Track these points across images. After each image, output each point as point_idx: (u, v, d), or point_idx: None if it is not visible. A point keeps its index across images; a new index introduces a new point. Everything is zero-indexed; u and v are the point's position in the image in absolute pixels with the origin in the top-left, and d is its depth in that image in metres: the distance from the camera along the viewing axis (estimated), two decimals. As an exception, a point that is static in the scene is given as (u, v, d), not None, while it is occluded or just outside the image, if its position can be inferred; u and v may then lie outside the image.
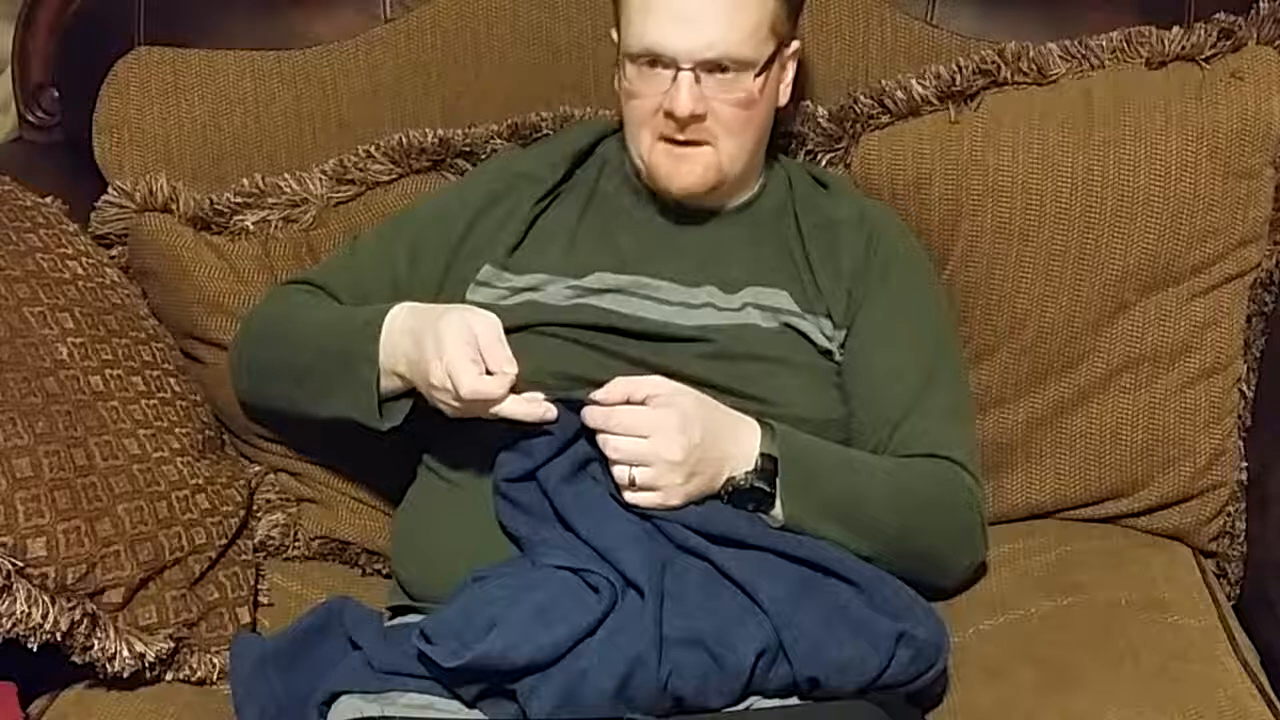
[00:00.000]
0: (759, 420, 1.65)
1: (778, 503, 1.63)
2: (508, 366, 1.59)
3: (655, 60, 1.71)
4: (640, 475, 1.59)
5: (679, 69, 1.69)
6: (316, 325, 1.80)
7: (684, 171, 1.75)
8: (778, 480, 1.63)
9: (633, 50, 1.72)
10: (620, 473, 1.59)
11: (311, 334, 1.79)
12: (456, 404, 1.61)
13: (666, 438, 1.59)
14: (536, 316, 1.75)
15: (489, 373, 1.59)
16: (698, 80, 1.69)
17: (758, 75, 1.72)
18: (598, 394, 1.61)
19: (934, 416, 1.76)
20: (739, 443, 1.63)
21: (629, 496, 1.59)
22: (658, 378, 1.63)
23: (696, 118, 1.71)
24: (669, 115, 1.71)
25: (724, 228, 1.83)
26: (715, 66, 1.70)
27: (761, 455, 1.63)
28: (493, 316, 1.63)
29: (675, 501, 1.60)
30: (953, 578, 1.78)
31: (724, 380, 1.71)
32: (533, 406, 1.61)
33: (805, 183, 1.87)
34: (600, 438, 1.60)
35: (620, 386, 1.61)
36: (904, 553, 1.68)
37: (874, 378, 1.76)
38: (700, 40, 1.68)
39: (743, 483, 1.62)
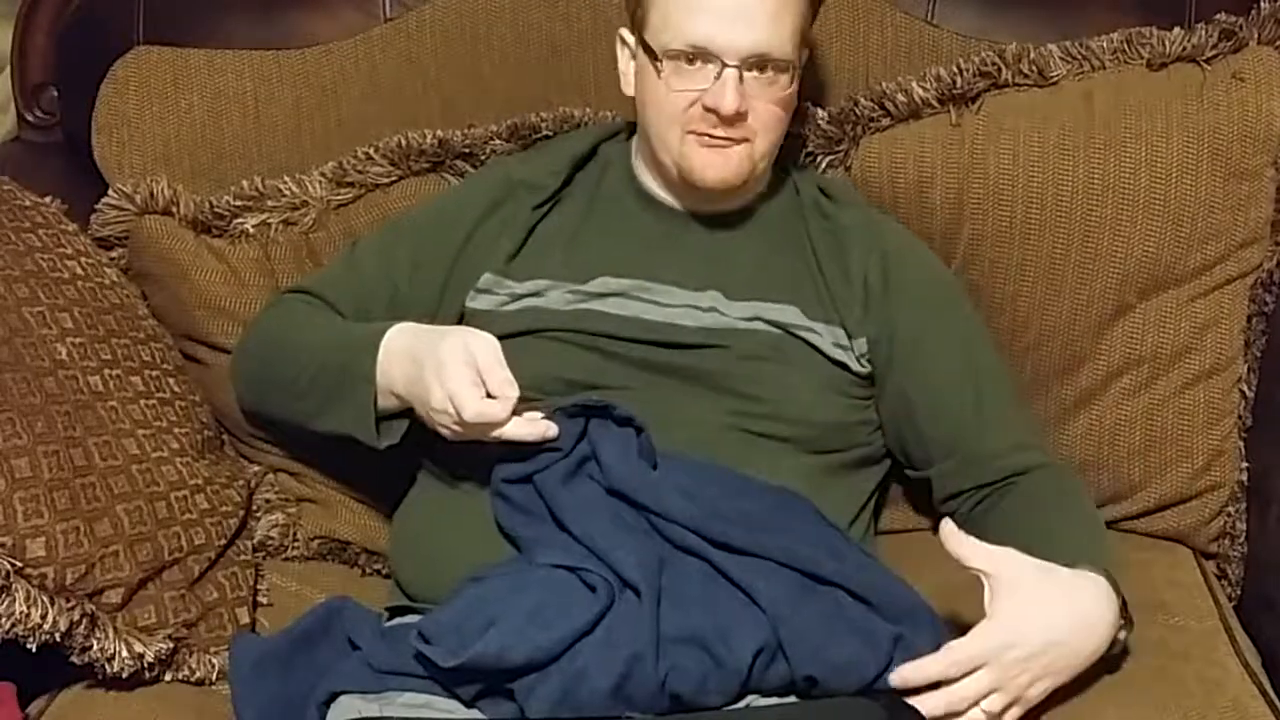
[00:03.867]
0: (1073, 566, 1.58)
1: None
2: (509, 389, 1.58)
3: (697, 56, 1.70)
4: (989, 704, 1.52)
5: (725, 65, 1.69)
6: (315, 342, 1.79)
7: (719, 164, 1.74)
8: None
9: (674, 46, 1.71)
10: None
11: (310, 351, 1.78)
12: (458, 428, 1.61)
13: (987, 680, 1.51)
14: (538, 322, 1.75)
15: (490, 396, 1.58)
16: (740, 78, 1.70)
17: (794, 79, 1.73)
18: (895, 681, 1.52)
19: (1006, 424, 1.78)
20: (1089, 610, 1.56)
21: None
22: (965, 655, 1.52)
23: (739, 115, 1.71)
24: (709, 110, 1.71)
25: (728, 231, 1.83)
26: (759, 65, 1.70)
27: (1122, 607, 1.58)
28: (492, 339, 1.62)
29: (1035, 696, 1.54)
30: None
31: (728, 383, 1.72)
32: (534, 427, 1.60)
33: (812, 190, 1.87)
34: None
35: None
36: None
37: (933, 393, 1.76)
38: (749, 38, 1.69)
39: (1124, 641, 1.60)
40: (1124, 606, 1.58)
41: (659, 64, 1.72)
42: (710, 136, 1.73)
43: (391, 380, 1.67)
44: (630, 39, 1.78)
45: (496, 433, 1.59)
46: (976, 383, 1.79)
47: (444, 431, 1.63)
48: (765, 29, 1.69)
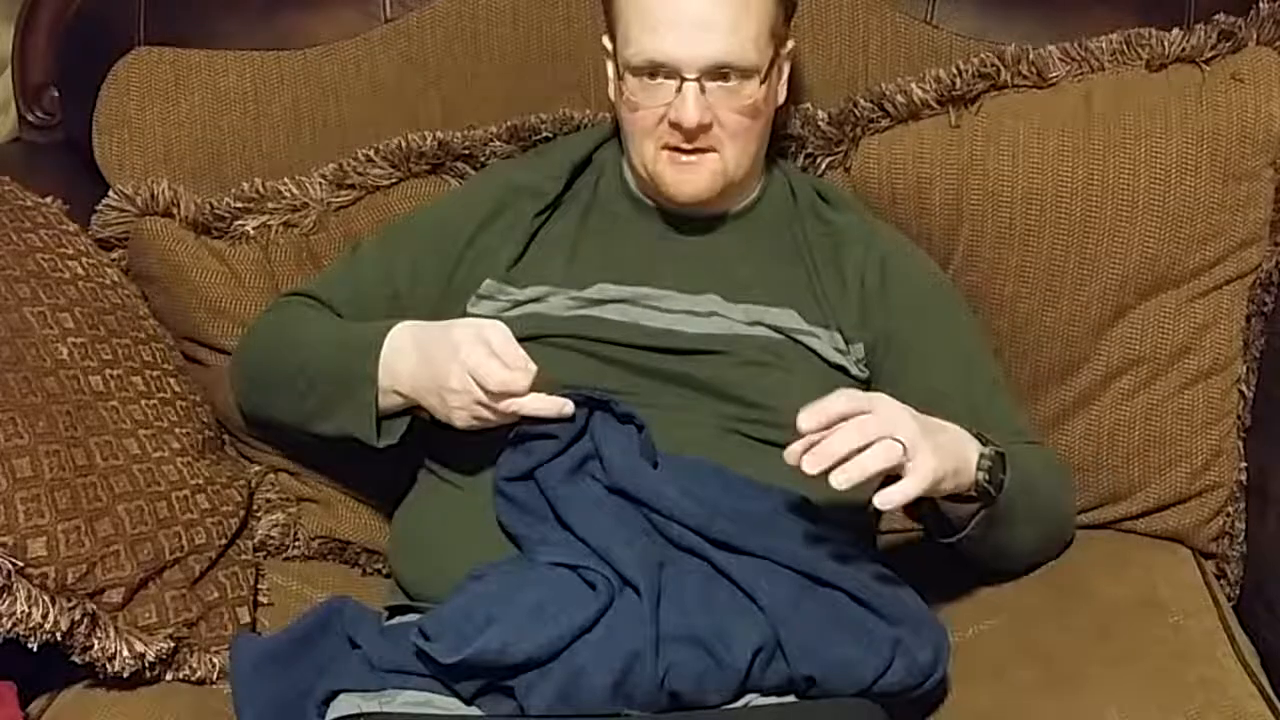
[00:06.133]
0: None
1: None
2: (527, 363, 1.59)
3: (658, 71, 1.70)
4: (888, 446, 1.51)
5: (684, 79, 1.68)
6: (316, 344, 1.79)
7: (690, 180, 1.74)
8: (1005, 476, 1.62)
9: (634, 62, 1.71)
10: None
11: (310, 353, 1.79)
12: (479, 407, 1.61)
13: (887, 417, 1.52)
14: (539, 328, 1.75)
15: None
16: (702, 89, 1.69)
17: (762, 82, 1.72)
18: (805, 424, 1.50)
19: (1005, 427, 1.76)
20: (957, 438, 1.60)
21: (879, 499, 1.51)
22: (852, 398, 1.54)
23: (703, 127, 1.70)
24: (674, 126, 1.71)
25: (725, 234, 1.83)
26: (720, 75, 1.69)
27: (995, 452, 1.61)
28: (501, 324, 1.63)
29: (924, 480, 1.51)
30: (1056, 553, 1.83)
31: (728, 388, 1.72)
32: (552, 401, 1.61)
33: (809, 194, 1.87)
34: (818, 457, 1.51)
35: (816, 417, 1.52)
36: (1056, 537, 1.81)
37: (930, 397, 1.71)
38: (704, 49, 1.68)
39: (986, 479, 1.60)
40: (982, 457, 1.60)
41: (623, 81, 1.73)
42: (679, 150, 1.73)
43: (396, 377, 1.67)
44: (610, 48, 1.79)
45: (516, 405, 1.60)
46: (974, 387, 1.78)
47: (460, 416, 1.63)
48: (723, 38, 1.68)
